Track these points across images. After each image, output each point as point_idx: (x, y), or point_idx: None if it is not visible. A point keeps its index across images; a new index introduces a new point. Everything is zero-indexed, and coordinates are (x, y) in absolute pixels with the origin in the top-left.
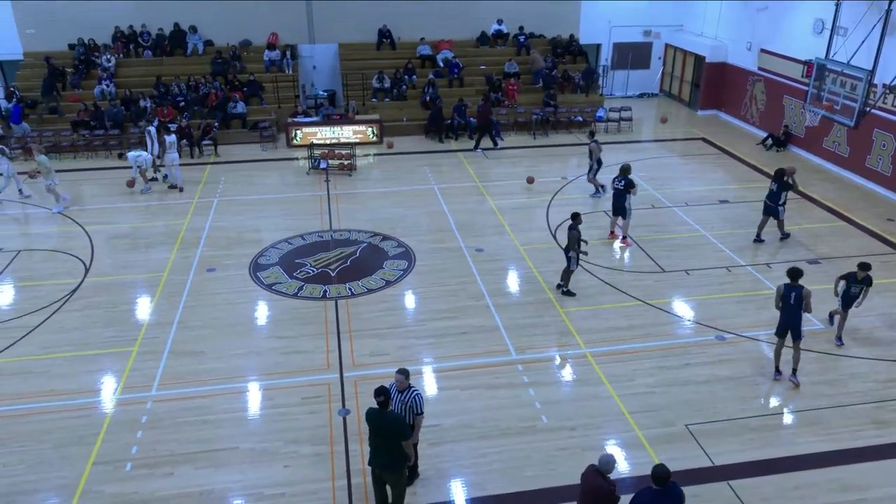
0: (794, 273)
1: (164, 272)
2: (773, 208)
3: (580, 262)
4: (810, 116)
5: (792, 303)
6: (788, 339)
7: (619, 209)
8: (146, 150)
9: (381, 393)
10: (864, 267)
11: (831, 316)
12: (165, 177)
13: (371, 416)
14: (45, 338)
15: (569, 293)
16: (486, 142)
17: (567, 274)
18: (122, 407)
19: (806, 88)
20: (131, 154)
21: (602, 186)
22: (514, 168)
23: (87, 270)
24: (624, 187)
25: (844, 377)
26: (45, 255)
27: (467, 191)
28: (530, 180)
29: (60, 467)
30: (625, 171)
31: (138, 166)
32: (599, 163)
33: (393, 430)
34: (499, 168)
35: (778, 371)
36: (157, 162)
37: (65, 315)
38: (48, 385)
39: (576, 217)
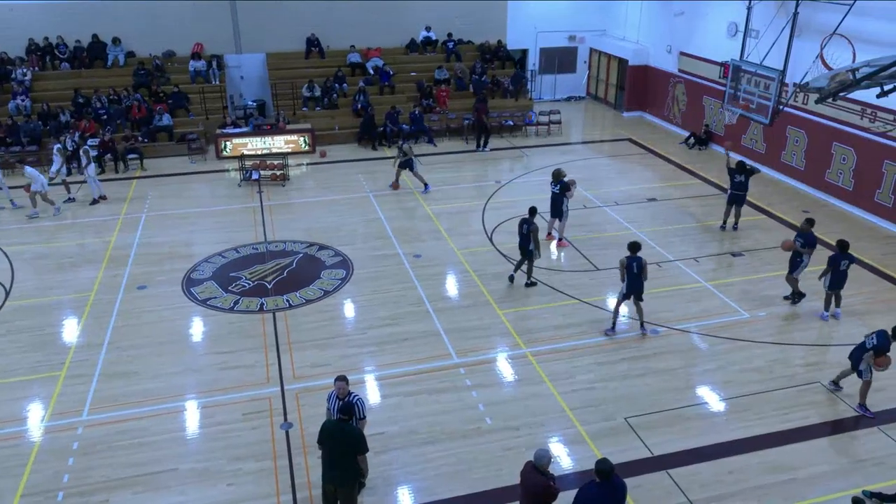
0: (634, 246)
1: (91, 292)
2: (741, 197)
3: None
4: (728, 115)
5: (635, 272)
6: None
7: (556, 212)
8: (51, 169)
9: (347, 412)
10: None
11: (838, 382)
12: (72, 199)
13: (329, 428)
14: None
15: (532, 284)
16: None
17: (531, 266)
18: (51, 434)
19: (723, 89)
20: (29, 169)
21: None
22: (448, 173)
23: (7, 293)
24: (560, 191)
25: (769, 364)
26: None
27: (403, 197)
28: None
29: None
30: (556, 175)
31: (36, 192)
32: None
33: (350, 443)
34: (433, 174)
35: (613, 328)
36: (64, 178)
37: None
38: None
39: (533, 212)
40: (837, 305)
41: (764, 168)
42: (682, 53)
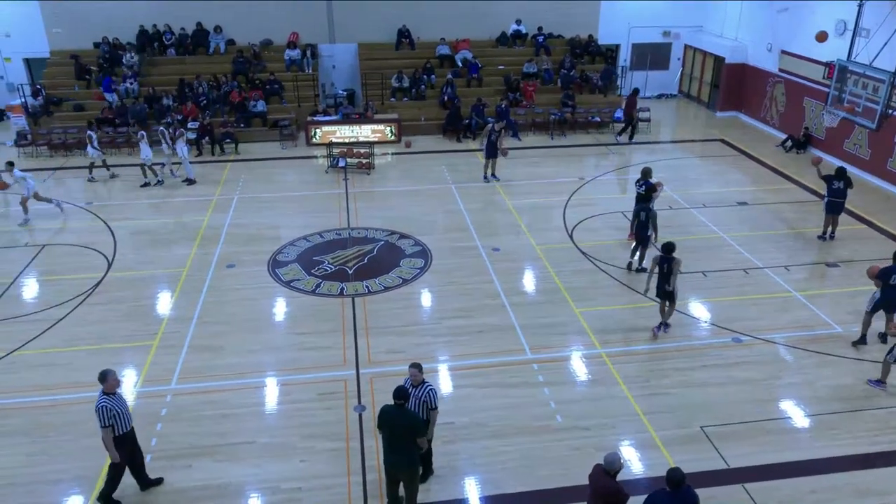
0: (669, 247)
1: (184, 268)
2: (839, 205)
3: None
4: (831, 118)
5: (665, 271)
6: None
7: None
8: (142, 155)
9: (402, 396)
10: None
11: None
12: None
13: (388, 413)
14: (69, 331)
15: (643, 270)
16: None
17: (643, 252)
18: (143, 400)
19: (827, 90)
20: (18, 172)
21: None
22: (531, 168)
23: (109, 265)
24: (645, 191)
25: (861, 382)
26: (69, 249)
27: (484, 190)
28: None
29: (81, 458)
30: (645, 174)
31: (27, 198)
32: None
33: (409, 428)
34: (516, 168)
35: (659, 327)
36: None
37: (88, 309)
38: (71, 377)
39: (650, 197)
40: None
41: (866, 175)
42: (784, 52)
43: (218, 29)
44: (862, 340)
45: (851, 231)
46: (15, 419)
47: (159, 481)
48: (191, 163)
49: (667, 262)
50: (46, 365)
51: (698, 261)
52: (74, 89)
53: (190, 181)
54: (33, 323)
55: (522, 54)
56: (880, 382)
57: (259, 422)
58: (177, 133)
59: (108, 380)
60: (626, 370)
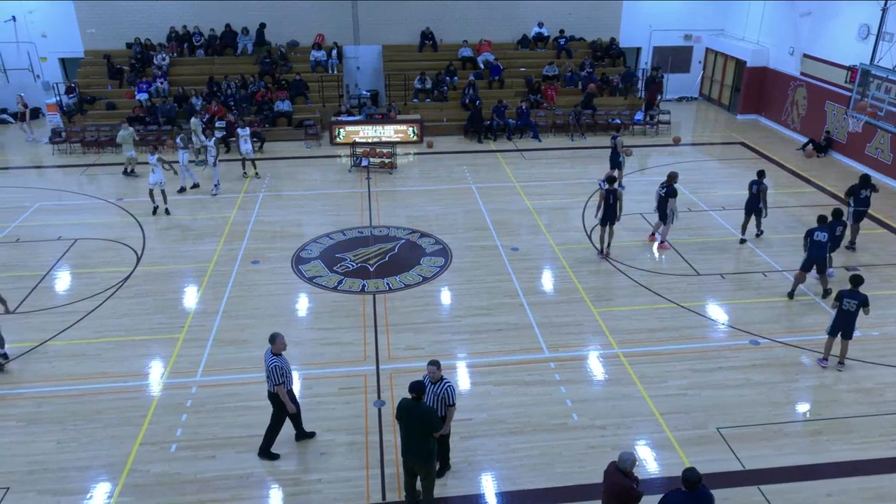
0: (612, 180)
1: (210, 263)
2: (863, 213)
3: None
4: (853, 122)
5: (611, 202)
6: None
7: (662, 214)
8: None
9: (417, 389)
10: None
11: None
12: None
13: (405, 407)
14: (99, 322)
15: (761, 234)
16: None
17: (759, 220)
18: (169, 391)
19: (849, 94)
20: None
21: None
22: (551, 169)
23: (138, 260)
24: (666, 195)
25: (881, 386)
26: (100, 244)
27: (504, 190)
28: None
29: (110, 446)
30: (671, 178)
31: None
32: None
33: (425, 422)
34: (536, 169)
35: (601, 252)
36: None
37: (117, 301)
38: (100, 368)
39: (762, 174)
40: (831, 265)
41: (888, 179)
42: (806, 56)
43: (245, 31)
44: (791, 295)
45: (871, 235)
46: (47, 407)
47: (312, 434)
48: (222, 160)
49: (612, 194)
50: (77, 355)
51: (717, 263)
52: (107, 88)
53: (181, 188)
54: (65, 314)
55: (544, 57)
56: (824, 359)
57: None
58: (179, 138)
59: (276, 342)
60: (643, 370)
